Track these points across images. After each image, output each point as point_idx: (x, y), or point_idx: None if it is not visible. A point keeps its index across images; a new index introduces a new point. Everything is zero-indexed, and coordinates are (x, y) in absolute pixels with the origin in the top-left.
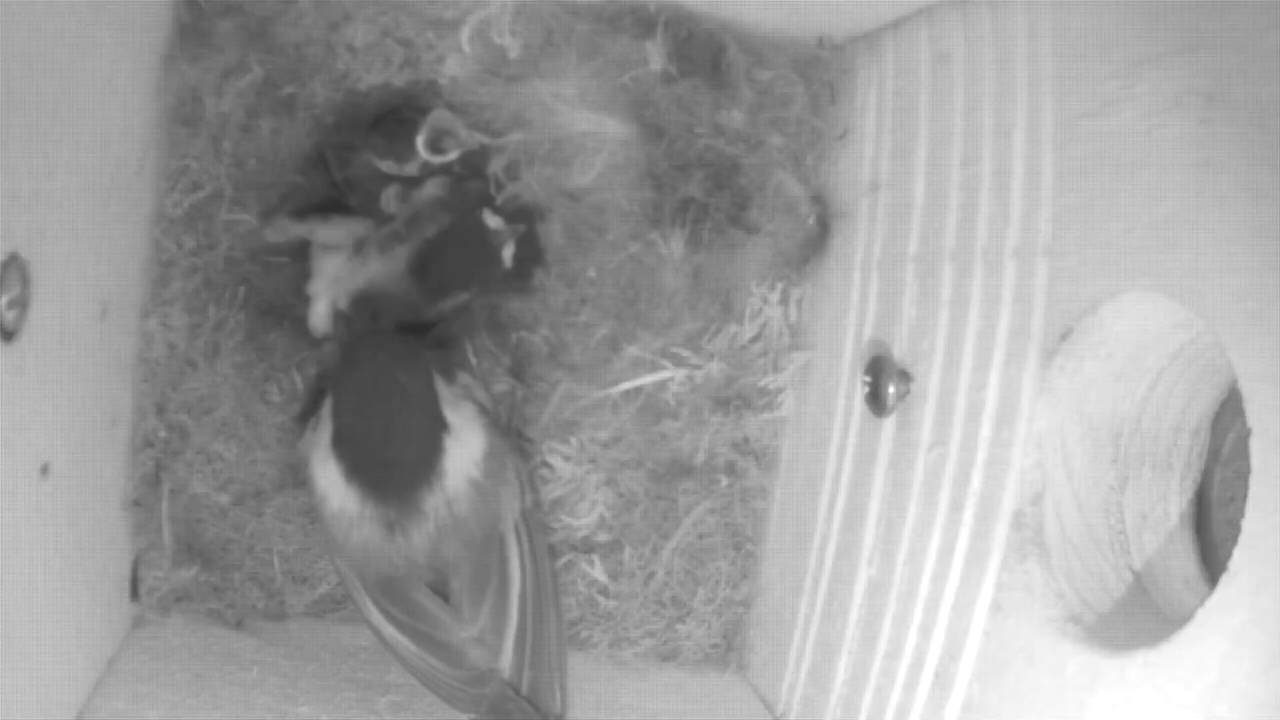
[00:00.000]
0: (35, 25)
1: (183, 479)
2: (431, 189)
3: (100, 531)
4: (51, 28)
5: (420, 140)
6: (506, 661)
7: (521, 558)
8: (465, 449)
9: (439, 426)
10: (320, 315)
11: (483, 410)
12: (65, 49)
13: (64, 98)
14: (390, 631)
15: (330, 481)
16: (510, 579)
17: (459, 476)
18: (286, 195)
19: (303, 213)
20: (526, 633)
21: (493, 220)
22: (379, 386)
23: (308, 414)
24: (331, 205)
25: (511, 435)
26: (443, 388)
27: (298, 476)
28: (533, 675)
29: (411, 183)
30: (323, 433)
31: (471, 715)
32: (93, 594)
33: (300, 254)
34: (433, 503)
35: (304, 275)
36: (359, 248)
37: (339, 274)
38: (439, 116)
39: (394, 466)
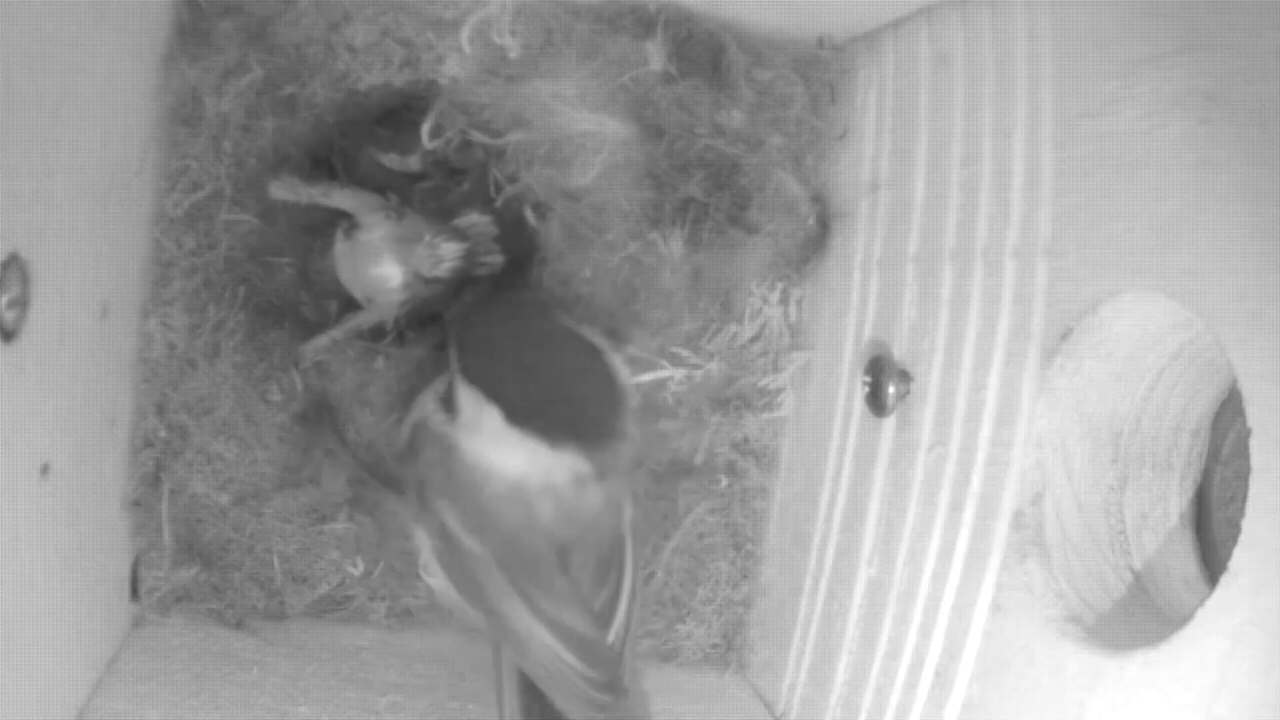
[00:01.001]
0: (35, 25)
1: (183, 479)
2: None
3: (100, 531)
4: (51, 28)
5: (425, 129)
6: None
7: (634, 563)
8: (621, 369)
9: (603, 363)
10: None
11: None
12: (65, 49)
13: (64, 98)
14: (525, 622)
15: (509, 457)
16: (624, 582)
17: (629, 391)
18: (286, 159)
19: (313, 176)
20: (625, 643)
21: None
22: (533, 341)
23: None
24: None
25: None
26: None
27: (403, 479)
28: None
29: (415, 179)
30: (478, 416)
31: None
32: (93, 594)
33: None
34: (625, 425)
35: (372, 252)
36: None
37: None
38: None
39: (586, 410)
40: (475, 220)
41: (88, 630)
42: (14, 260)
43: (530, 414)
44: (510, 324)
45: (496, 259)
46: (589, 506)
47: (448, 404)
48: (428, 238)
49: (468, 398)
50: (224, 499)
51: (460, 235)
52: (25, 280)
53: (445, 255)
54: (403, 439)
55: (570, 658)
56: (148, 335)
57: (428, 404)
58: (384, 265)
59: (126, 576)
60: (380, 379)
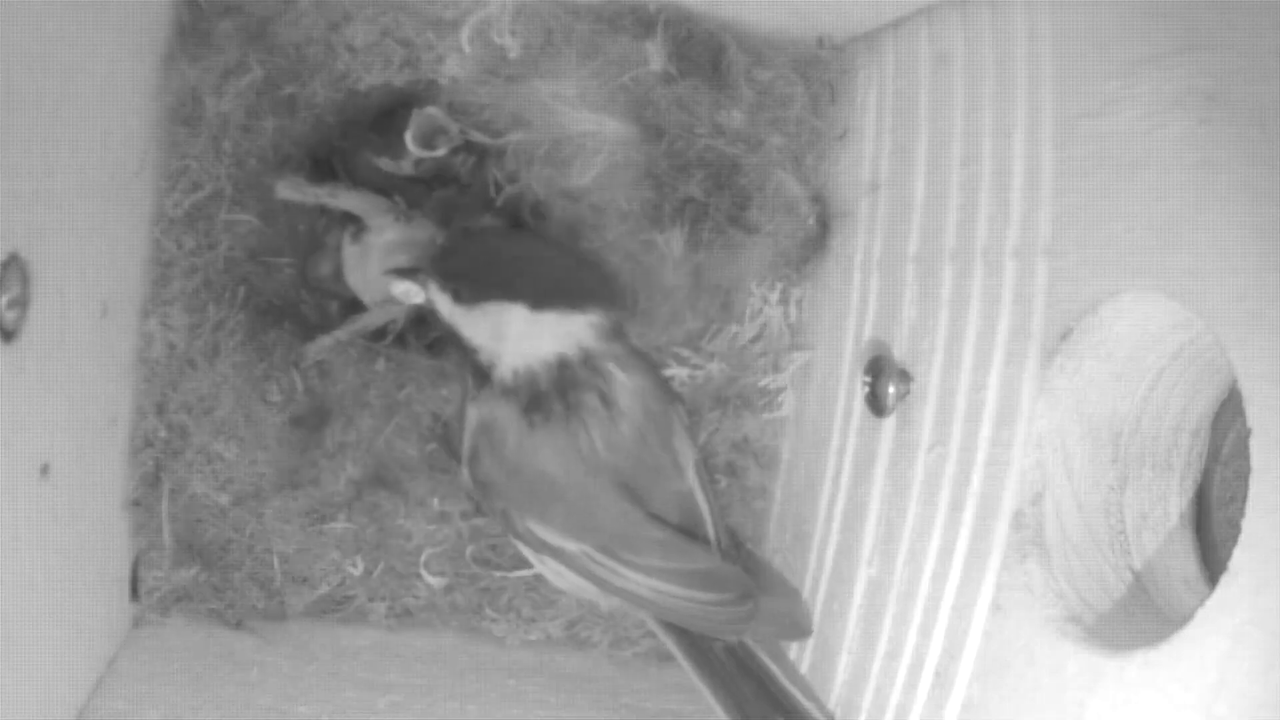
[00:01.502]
0: (35, 25)
1: (183, 479)
2: None
3: (100, 531)
4: (51, 28)
5: (409, 136)
6: None
7: (710, 507)
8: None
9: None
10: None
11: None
12: (65, 49)
13: (64, 98)
14: (650, 584)
15: (540, 342)
16: (695, 489)
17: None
18: (288, 159)
19: (319, 177)
20: (729, 543)
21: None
22: (520, 238)
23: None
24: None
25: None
26: None
27: (481, 502)
28: None
29: (411, 183)
30: (501, 325)
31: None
32: (93, 594)
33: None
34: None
35: (384, 255)
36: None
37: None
38: (426, 114)
39: (595, 273)
40: (487, 223)
41: (88, 630)
42: (14, 260)
43: (549, 291)
44: (491, 241)
45: None
46: (626, 405)
47: (476, 376)
48: (440, 241)
49: (482, 319)
50: (224, 499)
51: None
52: (25, 280)
53: None
54: (468, 474)
55: (703, 596)
56: (148, 335)
57: (470, 414)
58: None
59: (126, 576)
60: (381, 380)
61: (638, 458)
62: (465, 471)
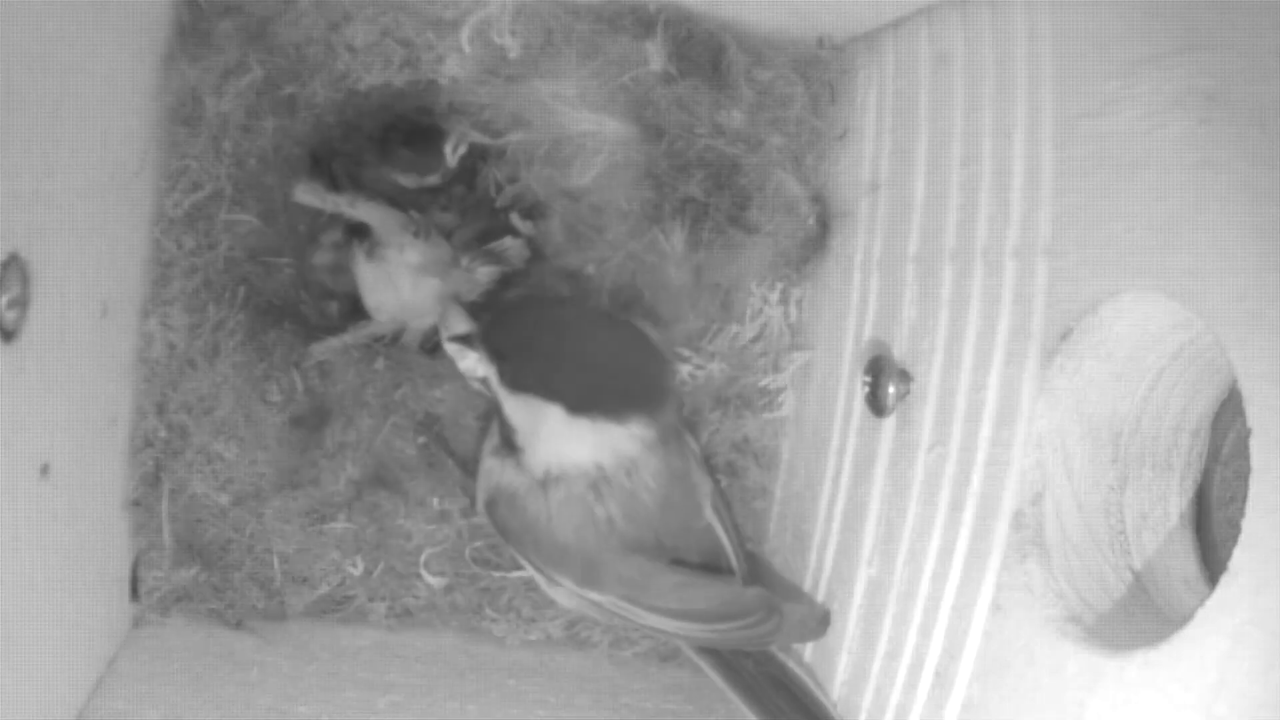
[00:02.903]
0: (35, 25)
1: (183, 479)
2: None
3: (100, 531)
4: (51, 28)
5: (449, 149)
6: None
7: (729, 536)
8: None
9: (642, 334)
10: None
11: None
12: (65, 49)
13: (64, 98)
14: (674, 625)
15: (579, 448)
16: (715, 522)
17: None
18: (296, 161)
19: (319, 176)
20: (749, 566)
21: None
22: (567, 330)
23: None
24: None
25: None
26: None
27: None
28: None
29: (433, 193)
30: (537, 421)
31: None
32: (93, 594)
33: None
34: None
35: (407, 275)
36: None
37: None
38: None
39: (638, 379)
40: (509, 244)
41: (88, 630)
42: (14, 260)
43: (590, 398)
44: (540, 321)
45: (528, 279)
46: (652, 480)
47: (506, 445)
48: (465, 262)
49: (522, 407)
50: (224, 499)
51: (495, 258)
52: (25, 280)
53: (481, 279)
54: (484, 512)
55: (725, 626)
56: (148, 335)
57: (490, 465)
58: (421, 290)
59: (126, 576)
60: (379, 380)
61: (659, 519)
62: (481, 511)
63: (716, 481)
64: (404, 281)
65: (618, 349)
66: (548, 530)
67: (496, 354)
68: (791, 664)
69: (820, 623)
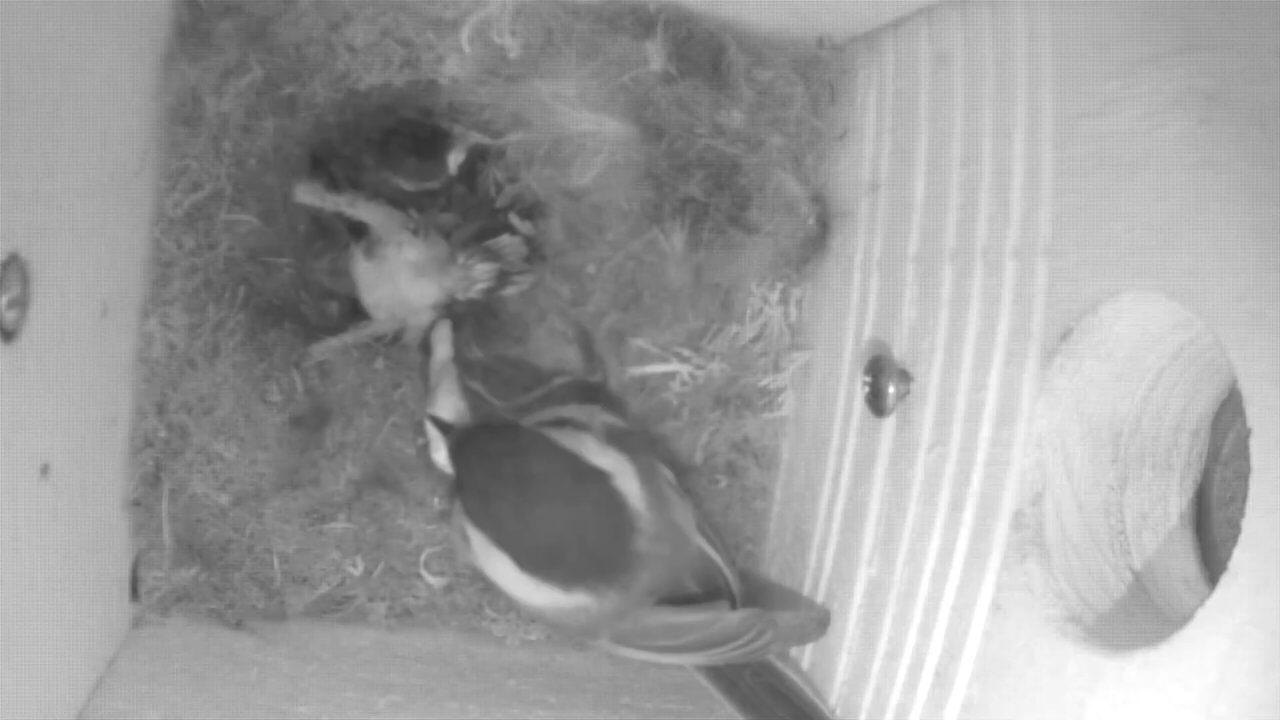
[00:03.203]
0: (35, 25)
1: (183, 479)
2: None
3: (100, 531)
4: (51, 28)
5: (452, 159)
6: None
7: (720, 552)
8: (630, 485)
9: (611, 497)
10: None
11: (606, 437)
12: (65, 49)
13: (64, 98)
14: (668, 658)
15: (530, 595)
16: (721, 575)
17: (641, 509)
18: (297, 161)
19: (318, 175)
20: (739, 588)
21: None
22: (533, 481)
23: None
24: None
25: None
26: (568, 440)
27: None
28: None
29: (433, 195)
30: (488, 557)
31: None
32: (93, 594)
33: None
34: (638, 547)
35: (404, 273)
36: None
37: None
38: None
39: (591, 553)
40: (506, 241)
41: (88, 630)
42: (14, 260)
43: (539, 563)
44: (502, 470)
45: (528, 279)
46: (620, 596)
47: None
48: (461, 259)
49: (476, 537)
50: (224, 499)
51: (492, 255)
52: (25, 280)
53: (478, 276)
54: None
55: (717, 651)
56: (148, 335)
57: (458, 517)
58: (419, 287)
59: (126, 576)
60: (379, 380)
61: (649, 577)
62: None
63: (697, 501)
64: (401, 279)
65: (576, 516)
66: (525, 604)
67: (459, 480)
68: (789, 671)
69: (819, 624)
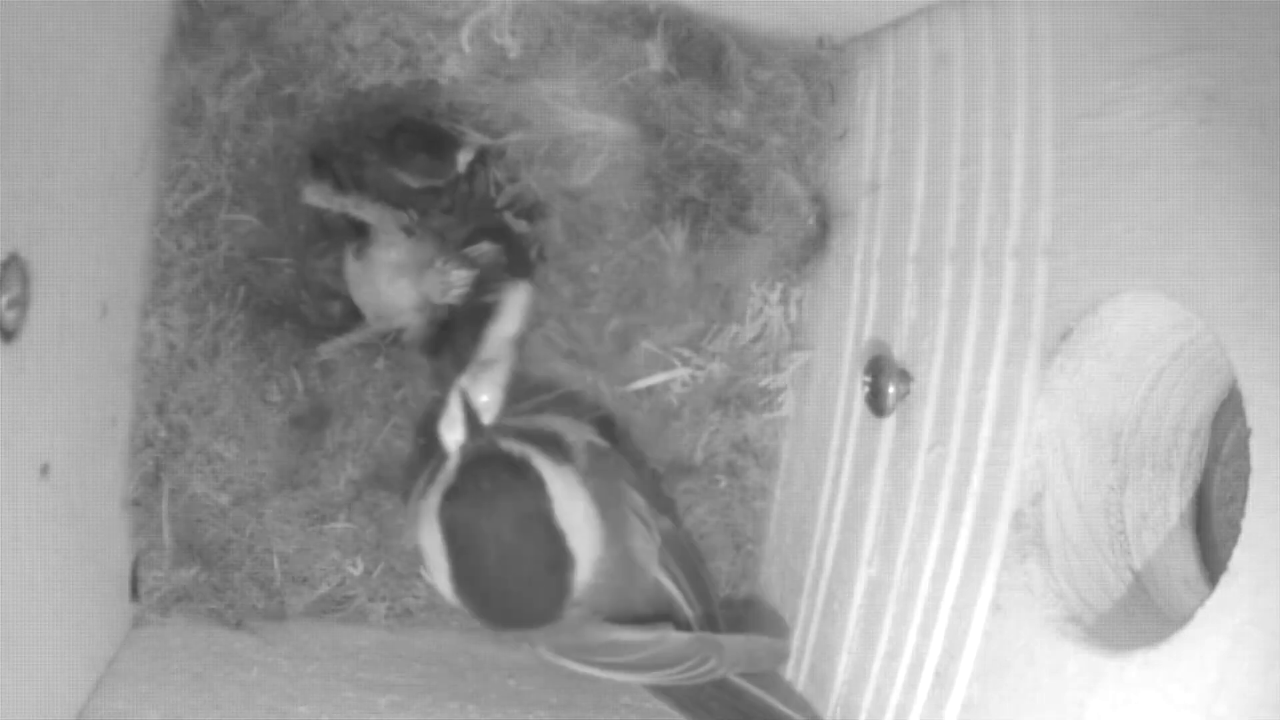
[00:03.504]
0: (35, 25)
1: (183, 479)
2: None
3: (100, 531)
4: (51, 28)
5: (462, 157)
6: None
7: (679, 585)
8: (587, 547)
9: (562, 560)
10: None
11: (587, 462)
12: (65, 49)
13: (64, 98)
14: (611, 675)
15: (460, 606)
16: (676, 607)
17: (588, 573)
18: (300, 160)
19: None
20: (705, 614)
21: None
22: (496, 534)
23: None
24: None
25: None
26: (549, 472)
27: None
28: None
29: (435, 194)
30: (438, 572)
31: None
32: (93, 594)
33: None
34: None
35: (384, 274)
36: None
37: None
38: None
39: (524, 610)
40: (485, 249)
41: (88, 630)
42: (14, 260)
43: (481, 612)
44: (469, 522)
45: (519, 299)
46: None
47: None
48: (438, 263)
49: (431, 533)
50: (224, 499)
51: (470, 263)
52: (25, 280)
53: (455, 282)
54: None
55: (661, 673)
56: (148, 335)
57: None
58: (395, 288)
59: (126, 576)
60: (379, 380)
61: (594, 598)
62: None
63: (677, 520)
64: (381, 279)
65: (515, 569)
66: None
67: (448, 489)
68: (752, 686)
69: (771, 653)
